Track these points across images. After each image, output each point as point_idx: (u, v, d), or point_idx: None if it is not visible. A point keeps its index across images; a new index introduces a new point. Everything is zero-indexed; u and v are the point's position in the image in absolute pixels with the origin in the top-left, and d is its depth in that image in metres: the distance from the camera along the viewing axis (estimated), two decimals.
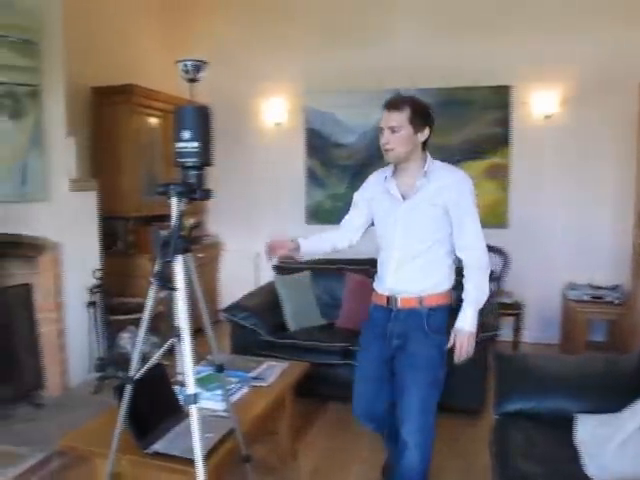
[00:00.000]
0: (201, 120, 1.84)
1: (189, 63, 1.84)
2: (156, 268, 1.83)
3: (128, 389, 2.00)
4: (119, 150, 4.64)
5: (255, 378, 2.81)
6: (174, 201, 1.86)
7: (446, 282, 2.29)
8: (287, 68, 5.51)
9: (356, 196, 2.48)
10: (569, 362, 2.77)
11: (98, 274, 3.82)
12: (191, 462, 1.97)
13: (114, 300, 4.16)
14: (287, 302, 4.08)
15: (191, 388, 1.82)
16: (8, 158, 3.23)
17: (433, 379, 2.24)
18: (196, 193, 1.87)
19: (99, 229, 4.07)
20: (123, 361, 3.84)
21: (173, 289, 1.82)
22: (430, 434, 2.24)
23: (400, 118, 2.18)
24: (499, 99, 5.04)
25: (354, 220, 2.48)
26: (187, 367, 1.82)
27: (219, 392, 2.40)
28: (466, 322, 2.22)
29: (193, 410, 1.81)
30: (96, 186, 4.02)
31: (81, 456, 2.66)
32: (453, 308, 2.30)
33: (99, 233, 4.06)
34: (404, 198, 2.26)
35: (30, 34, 3.32)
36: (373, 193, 2.40)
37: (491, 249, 4.95)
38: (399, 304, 2.28)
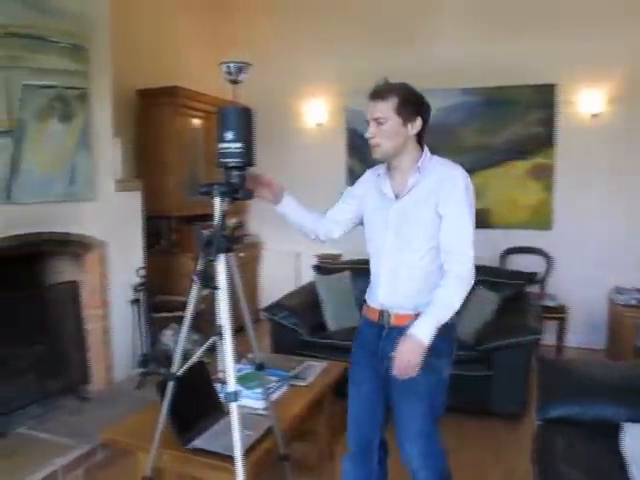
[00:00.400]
0: (244, 121, 1.85)
1: (232, 65, 1.86)
2: (198, 267, 1.85)
3: (170, 386, 2.04)
4: (163, 151, 4.74)
5: (294, 377, 2.82)
6: (217, 201, 1.87)
7: None
8: (329, 69, 5.52)
9: (347, 190, 2.24)
10: (615, 368, 2.69)
11: (142, 272, 3.90)
12: (231, 459, 2.00)
13: (157, 298, 4.24)
14: (327, 302, 4.09)
15: (232, 386, 1.84)
16: (58, 159, 3.33)
17: (428, 408, 1.98)
18: (238, 193, 1.88)
19: (143, 228, 4.16)
20: (165, 358, 3.92)
21: (215, 288, 1.84)
22: (436, 455, 2.03)
23: (385, 108, 1.90)
24: (544, 98, 4.94)
25: (336, 214, 2.22)
26: (228, 365, 1.84)
27: (259, 390, 2.42)
28: (420, 330, 1.83)
29: (233, 407, 1.83)
30: (141, 186, 4.11)
31: (124, 449, 2.73)
32: (454, 323, 2.01)
33: (143, 232, 4.16)
34: (397, 198, 1.99)
35: (79, 39, 3.41)
36: (366, 190, 2.13)
37: (534, 251, 4.92)
38: (392, 321, 2.00)
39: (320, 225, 2.21)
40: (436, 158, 2.01)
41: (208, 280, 1.83)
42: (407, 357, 1.82)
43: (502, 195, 5.05)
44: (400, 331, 1.92)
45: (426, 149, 2.01)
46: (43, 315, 3.51)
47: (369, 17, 5.36)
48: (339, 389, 3.10)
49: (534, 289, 4.51)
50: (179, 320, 4.17)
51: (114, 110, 3.84)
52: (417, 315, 1.91)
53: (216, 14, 5.75)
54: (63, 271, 3.71)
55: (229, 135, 1.81)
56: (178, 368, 2.05)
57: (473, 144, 5.03)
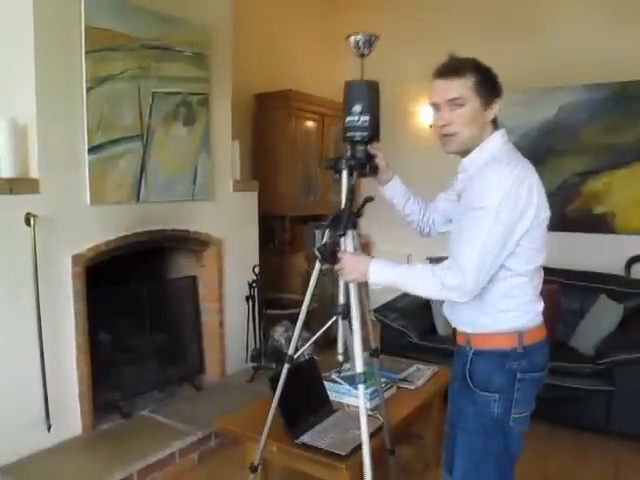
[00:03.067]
0: (371, 94, 1.78)
1: (360, 38, 1.78)
2: (322, 241, 1.77)
3: (285, 369, 2.02)
4: (277, 153, 4.88)
5: (403, 380, 2.80)
6: (344, 175, 1.80)
7: (504, 319, 1.64)
8: None
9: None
10: None
11: (256, 270, 4.03)
12: (336, 456, 2.04)
13: (269, 295, 4.37)
14: (438, 306, 4.02)
15: (359, 366, 1.74)
16: (182, 161, 3.53)
17: (477, 447, 1.67)
18: (365, 168, 1.81)
19: (258, 227, 4.29)
20: (276, 353, 4.03)
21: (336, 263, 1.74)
22: None
23: (462, 86, 1.60)
24: None
25: (440, 202, 1.97)
26: (356, 345, 1.75)
27: (368, 390, 2.43)
28: (377, 266, 1.67)
29: (361, 389, 1.74)
30: (257, 187, 4.25)
31: (234, 439, 2.87)
32: (519, 353, 1.64)
33: (258, 231, 4.29)
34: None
35: (201, 47, 3.60)
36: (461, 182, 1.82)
37: None
38: (456, 339, 1.80)
39: (424, 215, 2.01)
40: (501, 152, 1.64)
41: (330, 256, 1.73)
42: (348, 264, 1.70)
43: (629, 198, 4.69)
44: (460, 352, 1.76)
45: (495, 138, 1.67)
46: (164, 307, 3.74)
47: (485, 11, 5.18)
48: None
49: None
50: (290, 317, 4.28)
51: (233, 114, 4.00)
52: (468, 335, 1.71)
53: (328, 17, 5.82)
54: (182, 266, 3.94)
55: (357, 108, 1.74)
56: (294, 350, 2.01)
57: (596, 144, 4.72)
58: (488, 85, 1.63)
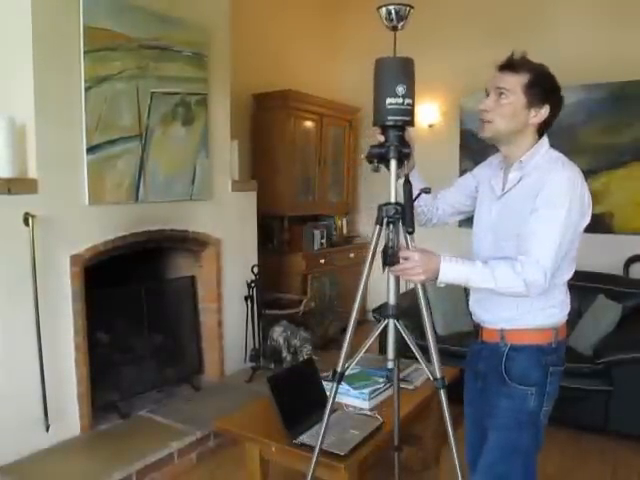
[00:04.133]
0: (412, 74, 1.63)
1: (392, 8, 1.64)
2: (386, 244, 1.65)
3: (334, 387, 1.78)
4: (276, 153, 4.87)
5: (402, 380, 2.80)
6: (393, 164, 1.62)
7: (544, 315, 1.71)
8: (441, 68, 5.40)
9: (467, 174, 2.01)
10: None
11: (255, 270, 4.03)
12: (335, 456, 2.03)
13: (268, 295, 4.36)
14: (437, 305, 4.02)
15: (439, 372, 1.66)
16: (181, 161, 3.53)
17: (507, 442, 1.72)
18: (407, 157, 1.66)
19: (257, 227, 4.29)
20: (275, 353, 4.03)
21: (392, 263, 1.64)
22: None
23: (513, 81, 1.67)
24: None
25: (448, 194, 2.01)
26: (433, 350, 1.65)
27: (365, 391, 2.44)
28: (448, 265, 1.60)
29: (442, 395, 1.67)
30: (256, 187, 4.25)
31: (233, 439, 2.87)
32: (553, 348, 1.72)
33: (257, 231, 4.29)
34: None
35: (200, 48, 3.59)
36: (482, 177, 1.90)
37: None
38: (483, 337, 1.82)
39: (432, 205, 2.00)
40: (551, 154, 1.72)
41: (394, 256, 1.62)
42: (421, 263, 1.59)
43: (627, 198, 4.70)
44: (491, 349, 1.76)
45: (543, 142, 1.74)
46: (163, 307, 3.74)
47: (481, 13, 5.18)
48: (451, 394, 3.04)
49: None
50: (289, 317, 4.28)
51: (232, 114, 4.00)
52: (503, 331, 1.73)
53: (329, 17, 5.83)
54: (181, 266, 3.93)
55: (400, 89, 1.58)
56: (344, 367, 1.76)
57: (594, 144, 4.73)
58: (541, 89, 1.67)
